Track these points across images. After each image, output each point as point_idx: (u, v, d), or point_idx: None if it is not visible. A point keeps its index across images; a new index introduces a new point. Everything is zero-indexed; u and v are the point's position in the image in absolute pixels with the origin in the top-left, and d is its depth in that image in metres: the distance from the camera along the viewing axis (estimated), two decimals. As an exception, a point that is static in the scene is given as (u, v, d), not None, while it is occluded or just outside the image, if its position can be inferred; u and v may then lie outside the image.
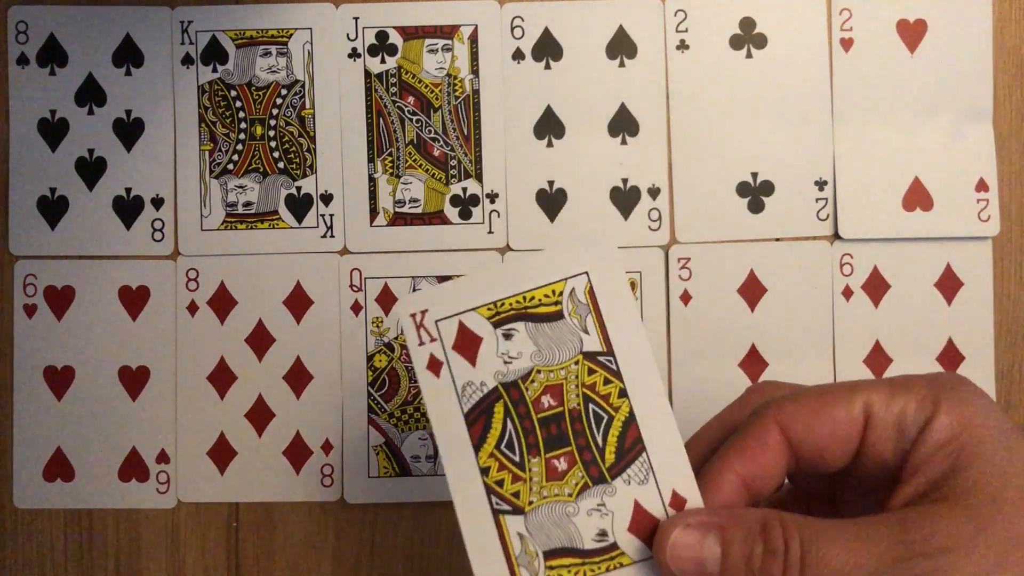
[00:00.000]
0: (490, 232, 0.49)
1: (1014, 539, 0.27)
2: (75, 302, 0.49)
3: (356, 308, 0.49)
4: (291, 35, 0.49)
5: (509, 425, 0.31)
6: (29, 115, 0.49)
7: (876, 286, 0.49)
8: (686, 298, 0.48)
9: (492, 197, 0.49)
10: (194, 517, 0.49)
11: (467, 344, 0.32)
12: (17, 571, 0.48)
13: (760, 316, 0.49)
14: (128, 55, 0.49)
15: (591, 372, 0.32)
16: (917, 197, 0.49)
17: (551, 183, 0.49)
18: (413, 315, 0.32)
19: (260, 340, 0.49)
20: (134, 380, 0.49)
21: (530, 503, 0.31)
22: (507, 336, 0.32)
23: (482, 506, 0.31)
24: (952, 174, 0.49)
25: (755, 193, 0.49)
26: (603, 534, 0.31)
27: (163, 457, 0.48)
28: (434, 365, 0.32)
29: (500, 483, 0.31)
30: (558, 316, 0.32)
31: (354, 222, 0.49)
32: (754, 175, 0.49)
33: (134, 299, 0.49)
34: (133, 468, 0.48)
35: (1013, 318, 0.49)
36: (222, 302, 0.49)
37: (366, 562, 0.49)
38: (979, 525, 0.27)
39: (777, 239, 0.49)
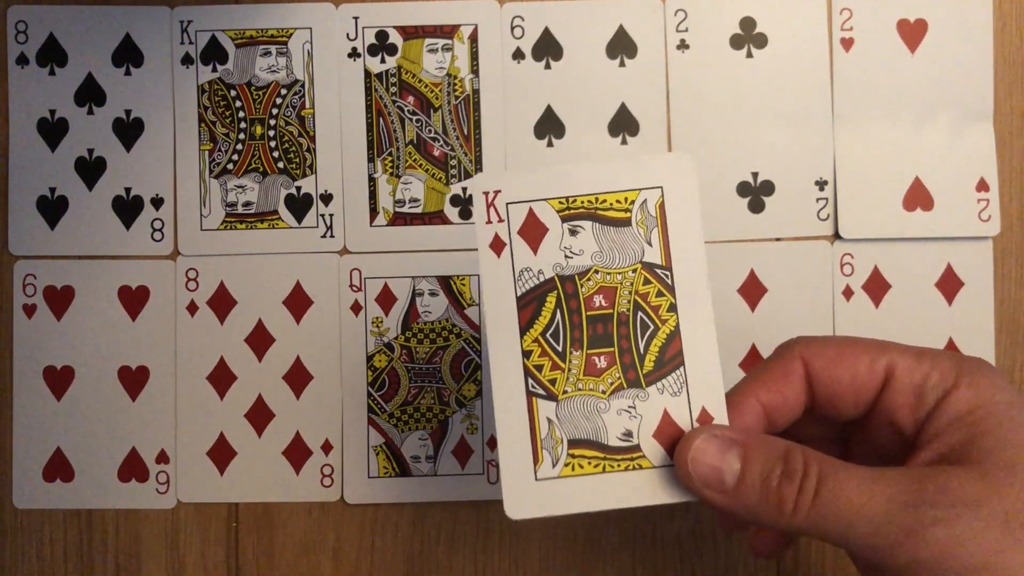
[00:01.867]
0: (490, 232, 0.49)
1: (1022, 501, 0.28)
2: (75, 302, 0.49)
3: (356, 308, 0.49)
4: (291, 35, 0.49)
5: (558, 316, 0.33)
6: (29, 115, 0.49)
7: (876, 286, 0.49)
8: (686, 298, 0.48)
9: (492, 197, 0.49)
10: (194, 517, 0.49)
11: (533, 231, 0.33)
12: (17, 571, 0.48)
13: (760, 316, 0.49)
14: (128, 55, 0.49)
15: (646, 282, 0.33)
16: (917, 197, 0.49)
17: (551, 183, 0.49)
18: (486, 193, 0.33)
19: (260, 340, 0.49)
20: (134, 380, 0.49)
21: (564, 392, 0.32)
22: (573, 232, 0.33)
23: (518, 386, 0.32)
24: (952, 174, 0.49)
25: (755, 193, 0.49)
26: (628, 434, 0.32)
27: (163, 457, 0.48)
28: (497, 245, 0.33)
29: (539, 368, 0.32)
30: (626, 223, 0.33)
31: (354, 222, 0.49)
32: (754, 175, 0.49)
33: (134, 299, 0.49)
34: (133, 468, 0.48)
35: (1013, 318, 0.49)
36: (222, 302, 0.49)
37: (366, 562, 0.49)
38: (991, 486, 0.28)
39: (777, 239, 0.49)
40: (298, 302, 0.49)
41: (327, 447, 0.48)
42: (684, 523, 0.49)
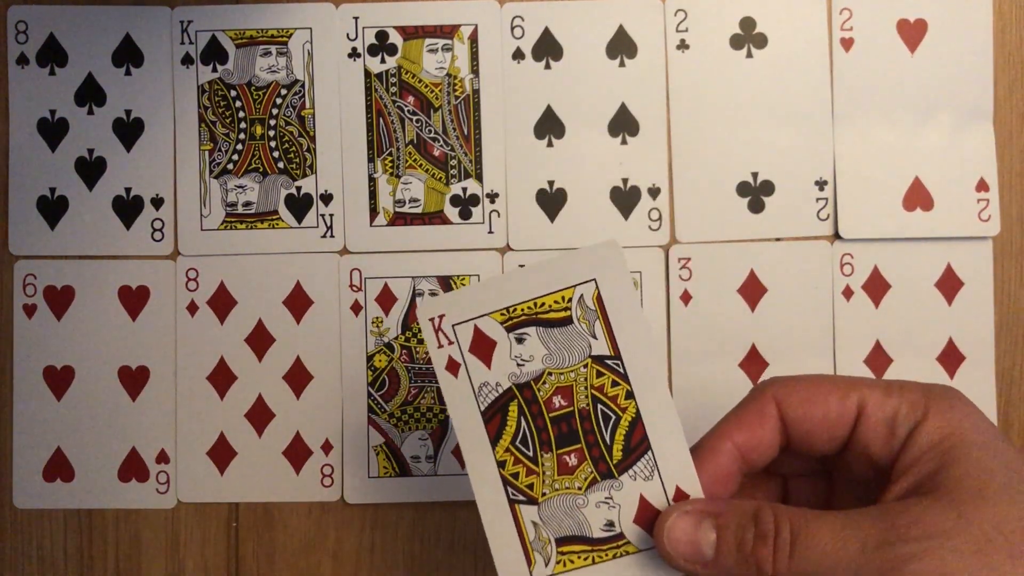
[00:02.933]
0: (490, 232, 0.49)
1: (995, 527, 0.28)
2: (75, 302, 0.49)
3: (356, 308, 0.49)
4: (291, 35, 0.49)
5: (523, 423, 0.34)
6: (29, 115, 0.49)
7: (876, 286, 0.49)
8: (686, 298, 0.48)
9: (492, 197, 0.49)
10: (194, 517, 0.49)
11: (482, 347, 0.34)
12: (17, 571, 0.48)
13: (760, 316, 0.49)
14: (128, 55, 0.49)
15: (599, 375, 0.34)
16: (917, 197, 0.49)
17: (551, 183, 0.49)
18: (432, 319, 0.34)
19: (260, 340, 0.49)
20: (134, 380, 0.49)
21: (543, 494, 0.34)
22: (519, 340, 0.34)
23: (500, 496, 0.34)
24: (952, 174, 0.49)
25: (755, 193, 0.49)
26: (610, 524, 0.33)
27: (163, 457, 0.48)
28: (452, 366, 0.34)
29: (516, 476, 0.34)
30: (567, 321, 0.34)
31: (354, 222, 0.49)
32: (754, 175, 0.49)
33: (134, 299, 0.49)
34: (133, 468, 0.48)
35: (1013, 318, 0.49)
36: (222, 302, 0.49)
37: (366, 562, 0.49)
38: (962, 514, 0.29)
39: (777, 239, 0.49)
40: (298, 302, 0.49)
41: (327, 447, 0.48)
42: None
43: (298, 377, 0.49)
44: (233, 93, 0.49)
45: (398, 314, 0.49)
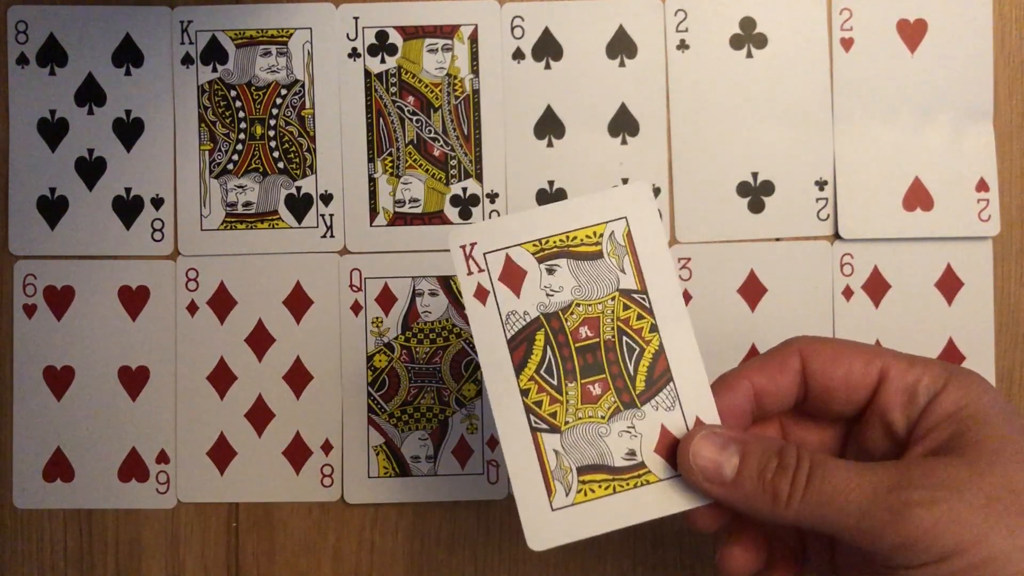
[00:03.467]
0: (490, 232, 0.49)
1: (1006, 486, 0.29)
2: (75, 302, 0.49)
3: (356, 308, 0.49)
4: (291, 35, 0.49)
5: (549, 352, 0.34)
6: (29, 115, 0.49)
7: (876, 286, 0.49)
8: (686, 298, 0.48)
9: (492, 197, 0.49)
10: (194, 517, 0.49)
11: (513, 276, 0.34)
12: (17, 571, 0.48)
13: (760, 316, 0.49)
14: (128, 55, 0.49)
15: (626, 308, 0.35)
16: (917, 197, 0.49)
17: (551, 183, 0.49)
18: (463, 246, 0.34)
19: (260, 340, 0.49)
20: (134, 380, 0.49)
21: (566, 423, 0.34)
22: (550, 271, 0.35)
23: (522, 424, 0.34)
24: (952, 174, 0.49)
25: (755, 193, 0.49)
26: (632, 453, 0.34)
27: (163, 457, 0.48)
28: (481, 294, 0.34)
29: (539, 404, 0.34)
30: (598, 255, 0.35)
31: (354, 222, 0.49)
32: (754, 175, 0.49)
33: (134, 299, 0.49)
34: (133, 468, 0.48)
35: (1013, 318, 0.49)
36: (222, 302, 0.49)
37: (366, 562, 0.49)
38: (974, 471, 0.29)
39: (777, 239, 0.49)
40: (298, 302, 0.49)
41: (327, 447, 0.48)
42: (684, 523, 0.48)
43: (298, 377, 0.49)
44: (233, 93, 0.49)
45: (398, 314, 0.49)
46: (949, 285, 0.49)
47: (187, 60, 0.49)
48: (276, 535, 0.49)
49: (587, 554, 0.49)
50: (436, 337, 0.49)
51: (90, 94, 0.49)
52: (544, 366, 0.34)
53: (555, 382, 0.34)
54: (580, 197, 0.35)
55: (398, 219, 0.49)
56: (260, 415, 0.49)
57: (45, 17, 0.49)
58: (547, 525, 0.33)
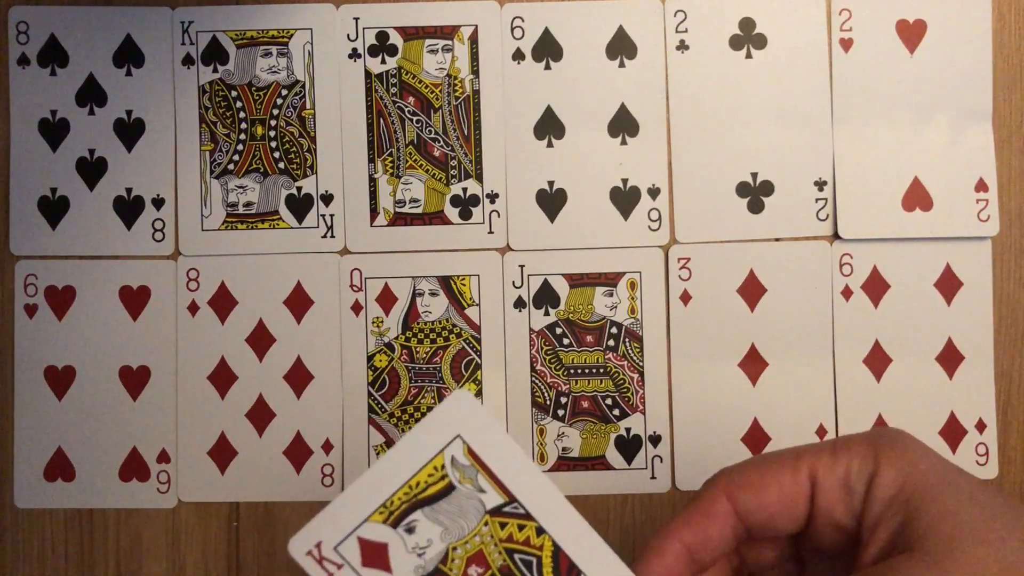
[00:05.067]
0: (490, 232, 0.49)
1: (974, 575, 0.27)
2: (76, 302, 0.49)
3: (356, 308, 0.49)
4: (291, 35, 0.49)
5: None
6: (30, 115, 0.49)
7: (876, 286, 0.49)
8: (686, 298, 0.48)
9: (492, 197, 0.49)
10: (194, 517, 0.49)
11: (375, 556, 0.32)
12: (17, 571, 0.49)
13: (760, 316, 0.49)
14: (129, 55, 0.49)
15: (503, 526, 0.32)
16: (917, 197, 0.49)
17: (551, 183, 0.49)
18: (310, 552, 0.31)
19: (260, 340, 0.49)
20: (134, 380, 0.49)
21: None
22: (410, 530, 0.32)
23: None
24: (952, 174, 0.49)
25: (755, 193, 0.49)
26: None
27: (163, 457, 0.49)
28: None
29: None
30: (450, 489, 0.32)
31: (354, 222, 0.49)
32: (754, 175, 0.49)
33: (134, 299, 0.49)
34: (133, 468, 0.48)
35: (1013, 318, 0.49)
36: (222, 302, 0.49)
37: (366, 562, 0.49)
38: (938, 568, 0.28)
39: (777, 239, 0.49)
40: (299, 302, 0.49)
41: (327, 447, 0.49)
42: None
43: (298, 377, 0.49)
44: (234, 93, 0.49)
45: (398, 314, 0.49)
46: (948, 285, 0.49)
47: (188, 60, 0.49)
48: (276, 535, 0.49)
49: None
50: (436, 337, 0.49)
51: (91, 94, 0.49)
52: None
53: None
54: (401, 441, 0.32)
55: (398, 219, 0.49)
56: (261, 415, 0.49)
57: (46, 17, 0.49)
58: None
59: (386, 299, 0.49)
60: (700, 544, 0.32)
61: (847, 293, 0.49)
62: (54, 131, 0.49)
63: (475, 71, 0.49)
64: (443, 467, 0.32)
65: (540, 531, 0.32)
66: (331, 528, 0.31)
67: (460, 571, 0.32)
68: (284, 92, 0.49)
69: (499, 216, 0.49)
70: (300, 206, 0.49)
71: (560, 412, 0.48)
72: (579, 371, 0.48)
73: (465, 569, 0.32)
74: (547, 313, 0.49)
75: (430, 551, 0.32)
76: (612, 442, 0.48)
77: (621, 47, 0.49)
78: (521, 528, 0.32)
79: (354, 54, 0.49)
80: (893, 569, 0.28)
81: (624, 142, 0.49)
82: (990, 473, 0.49)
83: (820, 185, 0.49)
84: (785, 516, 0.32)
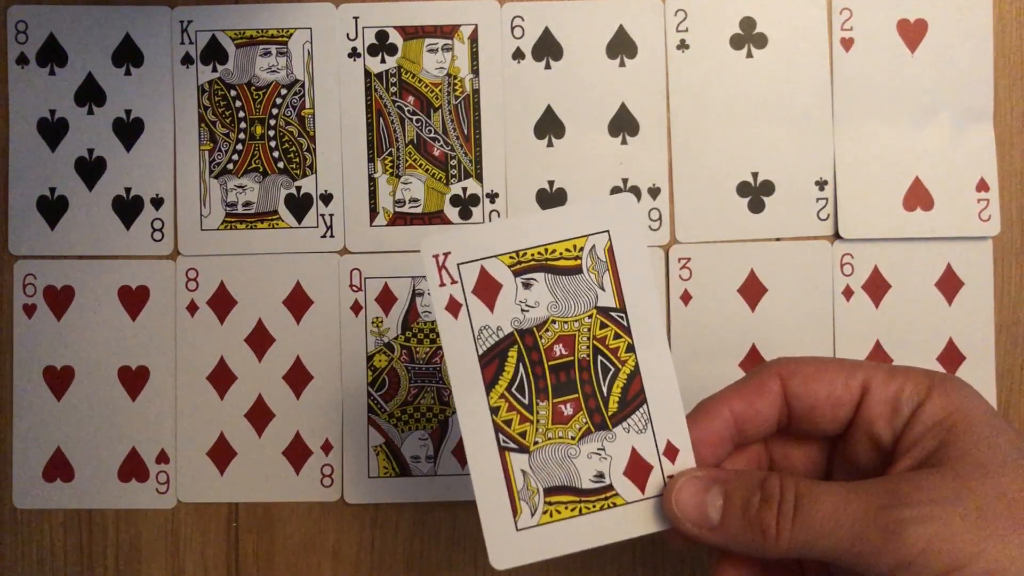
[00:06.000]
0: (490, 232, 0.49)
1: (997, 497, 0.29)
2: (75, 302, 0.49)
3: (356, 308, 0.49)
4: (291, 35, 0.49)
5: (521, 370, 0.33)
6: (29, 115, 0.49)
7: (876, 286, 0.49)
8: (686, 298, 0.48)
9: (492, 197, 0.49)
10: (194, 517, 0.49)
11: (487, 289, 0.33)
12: (17, 571, 0.48)
13: (760, 316, 0.49)
14: (128, 55, 0.49)
15: (603, 326, 0.33)
16: (917, 197, 0.49)
17: (551, 183, 0.49)
18: (436, 256, 0.33)
19: (260, 340, 0.49)
20: (134, 380, 0.49)
21: (535, 443, 0.33)
22: (526, 285, 0.33)
23: (490, 443, 0.33)
24: (952, 174, 0.49)
25: (755, 193, 0.49)
26: (600, 476, 0.33)
27: (163, 457, 0.48)
28: (453, 306, 0.33)
29: (508, 423, 0.33)
30: (577, 270, 0.33)
31: (354, 222, 0.49)
32: (754, 175, 0.49)
33: (134, 299, 0.49)
34: (133, 468, 0.48)
35: (1013, 318, 0.49)
36: (222, 302, 0.49)
37: (366, 562, 0.49)
38: (965, 483, 0.29)
39: (777, 239, 0.49)
40: (298, 302, 0.49)
41: (327, 447, 0.48)
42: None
43: (298, 377, 0.49)
44: (233, 93, 0.49)
45: (398, 314, 0.49)
46: (949, 285, 0.49)
47: (187, 60, 0.49)
48: (276, 535, 0.49)
49: (587, 554, 0.48)
50: (436, 337, 0.49)
51: (90, 94, 0.49)
52: (516, 384, 0.33)
53: (526, 401, 0.33)
54: (561, 208, 0.34)
55: (398, 219, 0.49)
56: (260, 415, 0.49)
57: (45, 17, 0.49)
58: (511, 544, 0.32)
59: (386, 299, 0.49)
60: (747, 417, 0.34)
61: (848, 293, 0.49)
62: (53, 131, 0.49)
63: (475, 70, 0.49)
64: (581, 250, 0.33)
65: (630, 349, 0.33)
66: (464, 246, 0.33)
67: (548, 343, 0.33)
68: (283, 92, 0.49)
69: (499, 216, 0.49)
70: (299, 206, 0.49)
71: (560, 412, 0.48)
72: (579, 371, 0.48)
73: (553, 343, 0.33)
74: (547, 313, 0.49)
75: (533, 312, 0.33)
76: (612, 442, 0.48)
77: (621, 47, 0.49)
78: (616, 337, 0.33)
79: (354, 53, 0.49)
80: (922, 477, 0.30)
81: (624, 142, 0.49)
82: (991, 473, 0.49)
83: (821, 185, 0.49)
84: (828, 414, 0.33)
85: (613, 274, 0.34)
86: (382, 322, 0.49)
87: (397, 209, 0.49)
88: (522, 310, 0.33)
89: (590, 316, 0.33)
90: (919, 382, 0.32)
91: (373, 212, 0.49)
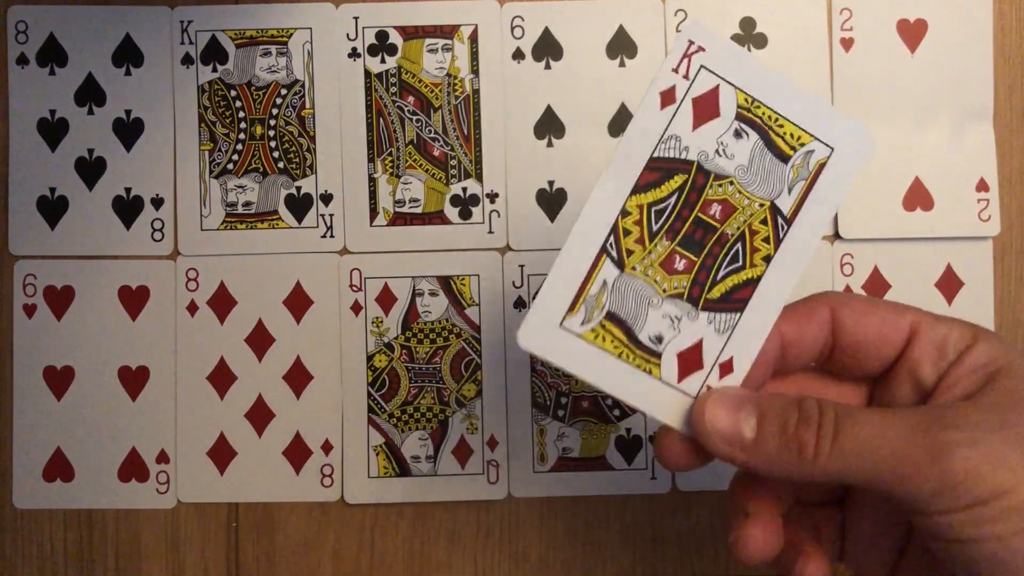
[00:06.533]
0: (490, 232, 0.49)
1: None
2: (75, 302, 0.49)
3: (356, 308, 0.49)
4: (291, 35, 0.49)
5: (672, 199, 0.32)
6: (29, 115, 0.49)
7: (877, 286, 0.49)
8: (686, 298, 0.48)
9: (492, 197, 0.49)
10: (194, 517, 0.49)
11: (705, 107, 0.31)
12: (17, 571, 0.48)
13: (760, 316, 0.48)
14: (128, 55, 0.49)
15: (763, 222, 0.32)
16: (917, 197, 0.49)
17: (551, 183, 0.49)
18: (691, 42, 0.31)
19: (260, 340, 0.49)
20: (134, 380, 0.49)
21: (633, 268, 0.32)
22: (737, 134, 0.32)
23: (598, 236, 0.31)
24: (952, 174, 0.49)
25: (755, 193, 0.49)
26: (659, 339, 0.32)
27: (163, 457, 0.48)
28: (668, 96, 0.31)
29: (627, 232, 0.31)
30: (785, 158, 0.32)
31: (354, 222, 0.49)
32: (754, 175, 0.49)
33: (134, 299, 0.49)
34: (133, 468, 0.48)
35: (1013, 318, 0.49)
36: (222, 302, 0.49)
37: (366, 562, 0.49)
38: (1005, 416, 0.28)
39: (777, 239, 0.49)
40: (298, 302, 0.49)
41: (327, 447, 0.48)
42: (684, 522, 0.49)
43: (298, 377, 0.49)
44: (233, 93, 0.49)
45: (398, 314, 0.49)
46: (949, 285, 0.49)
47: (187, 60, 0.49)
48: (276, 535, 0.49)
49: (587, 554, 0.49)
50: (436, 337, 0.49)
51: (90, 94, 0.49)
52: (658, 206, 0.31)
53: (655, 228, 0.31)
54: (816, 96, 0.32)
55: (398, 219, 0.49)
56: (260, 415, 0.49)
57: (45, 17, 0.49)
58: (545, 334, 0.31)
59: (386, 299, 0.49)
60: (794, 339, 0.33)
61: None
62: (53, 131, 0.49)
63: (475, 71, 0.49)
64: (802, 145, 0.32)
65: (767, 259, 0.32)
66: (720, 57, 0.31)
67: (712, 197, 0.32)
68: (283, 92, 0.49)
69: (499, 216, 0.49)
70: (299, 206, 0.49)
71: (560, 412, 0.48)
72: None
73: (715, 200, 0.32)
74: (547, 313, 0.48)
75: (722, 161, 0.32)
76: (612, 442, 0.48)
77: (621, 47, 0.49)
78: (766, 241, 0.32)
79: (354, 53, 0.49)
80: (968, 406, 0.29)
81: (624, 142, 0.49)
82: (991, 473, 0.49)
83: (820, 185, 0.49)
84: (873, 351, 0.33)
85: (807, 187, 0.32)
86: (382, 322, 0.49)
87: (397, 209, 0.49)
88: (716, 151, 0.31)
89: (761, 204, 0.32)
90: (965, 330, 0.32)
91: (373, 212, 0.49)
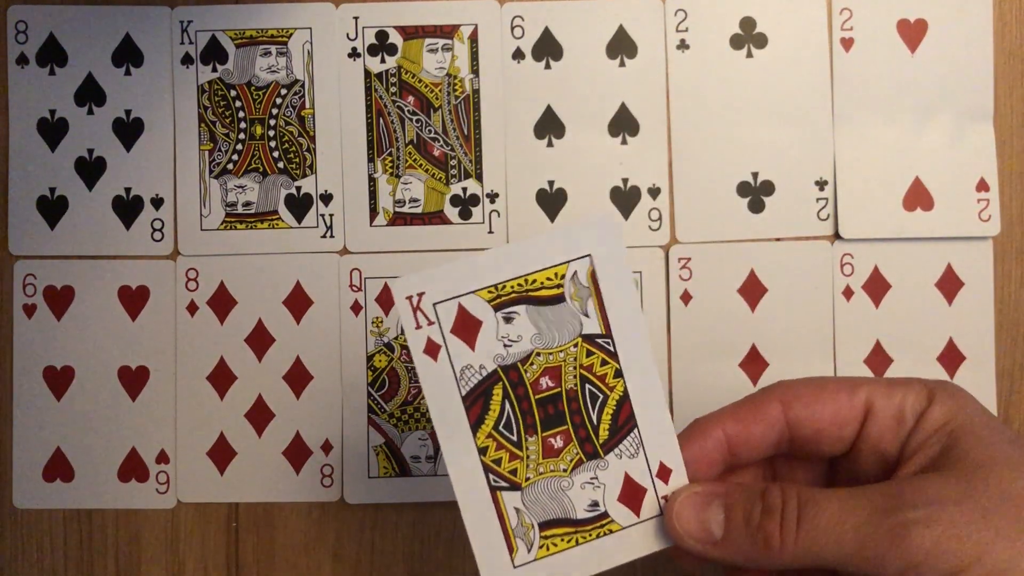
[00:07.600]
0: (490, 232, 0.49)
1: (1001, 496, 0.29)
2: (75, 302, 0.49)
3: (356, 308, 0.49)
4: (291, 35, 0.49)
5: (507, 407, 0.32)
6: (29, 115, 0.49)
7: (876, 286, 0.49)
8: (686, 298, 0.48)
9: (492, 197, 0.49)
10: (194, 517, 0.49)
11: (466, 328, 0.32)
12: (17, 571, 0.48)
13: (760, 316, 0.49)
14: (128, 55, 0.49)
15: (589, 354, 0.33)
16: (918, 197, 0.49)
17: (551, 183, 0.49)
18: (409, 298, 0.32)
19: (260, 340, 0.49)
20: (134, 380, 0.49)
21: (527, 479, 0.32)
22: (508, 319, 0.32)
23: (480, 484, 0.32)
24: (953, 174, 0.49)
25: (755, 193, 0.49)
26: (595, 504, 0.33)
27: (163, 457, 0.48)
28: (431, 349, 0.32)
29: (498, 461, 0.32)
30: (559, 299, 0.33)
31: (354, 222, 0.49)
32: (754, 175, 0.49)
33: (134, 299, 0.49)
34: (133, 468, 0.48)
35: (1013, 318, 0.49)
36: (222, 302, 0.49)
37: (366, 562, 0.49)
38: (968, 485, 0.29)
39: (777, 239, 0.49)
40: (298, 302, 0.49)
41: (327, 447, 0.48)
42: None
43: (298, 377, 0.49)
44: (233, 93, 0.49)
45: (398, 314, 0.49)
46: (949, 285, 0.49)
47: (187, 60, 0.49)
48: (276, 535, 0.49)
49: (587, 554, 0.49)
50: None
51: (90, 94, 0.49)
52: (503, 422, 0.32)
53: (515, 438, 0.32)
54: (540, 236, 0.33)
55: (398, 219, 0.49)
56: (260, 415, 0.49)
57: (45, 17, 0.49)
58: None
59: (386, 299, 0.49)
60: (740, 440, 0.33)
61: (848, 293, 0.49)
62: (53, 131, 0.49)
63: (475, 70, 0.49)
64: (563, 278, 0.32)
65: (618, 374, 0.33)
66: (439, 285, 0.32)
67: (534, 376, 0.32)
68: (283, 91, 0.49)
69: (499, 216, 0.49)
70: (299, 206, 0.49)
71: (560, 412, 0.48)
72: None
73: (539, 376, 0.32)
74: (547, 313, 0.49)
75: (517, 347, 0.32)
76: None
77: (621, 46, 0.49)
78: (603, 364, 0.33)
79: (353, 53, 0.49)
80: (926, 480, 0.30)
81: (624, 142, 0.49)
82: (991, 473, 0.49)
83: (821, 185, 0.49)
84: (833, 436, 0.33)
85: (597, 299, 0.33)
86: (382, 322, 0.49)
87: (397, 209, 0.49)
88: (505, 345, 0.32)
89: (575, 345, 0.33)
90: (919, 392, 0.32)
91: (373, 212, 0.49)
